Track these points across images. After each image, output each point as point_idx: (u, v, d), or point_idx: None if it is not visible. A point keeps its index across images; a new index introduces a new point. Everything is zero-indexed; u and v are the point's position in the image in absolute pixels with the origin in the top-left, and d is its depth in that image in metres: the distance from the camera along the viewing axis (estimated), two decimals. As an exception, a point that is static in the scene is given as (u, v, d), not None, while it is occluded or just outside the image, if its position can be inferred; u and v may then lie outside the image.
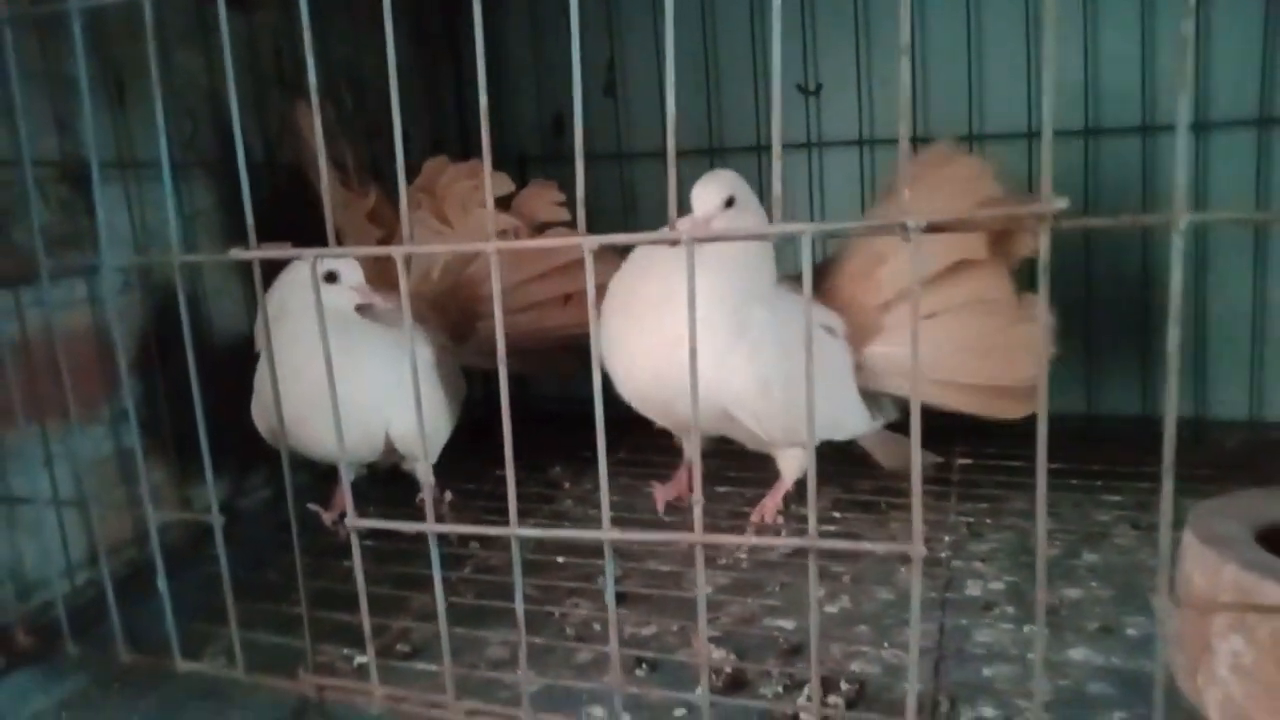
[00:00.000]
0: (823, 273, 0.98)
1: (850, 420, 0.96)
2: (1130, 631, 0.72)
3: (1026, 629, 0.73)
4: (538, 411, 1.29)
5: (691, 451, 0.87)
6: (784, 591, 0.84)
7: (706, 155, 1.31)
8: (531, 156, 1.43)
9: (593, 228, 0.50)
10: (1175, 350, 0.38)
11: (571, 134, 1.46)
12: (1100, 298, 1.17)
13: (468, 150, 1.42)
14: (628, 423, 0.92)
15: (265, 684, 0.67)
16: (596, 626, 0.78)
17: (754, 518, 0.97)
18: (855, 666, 0.70)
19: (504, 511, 0.57)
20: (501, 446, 0.54)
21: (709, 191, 0.85)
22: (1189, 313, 1.16)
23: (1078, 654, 0.69)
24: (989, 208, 0.87)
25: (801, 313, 0.46)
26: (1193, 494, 0.66)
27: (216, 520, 0.63)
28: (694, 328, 0.48)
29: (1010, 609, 0.77)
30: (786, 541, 0.86)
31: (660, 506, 0.98)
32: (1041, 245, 0.39)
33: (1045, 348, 0.44)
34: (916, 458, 0.45)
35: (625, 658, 0.71)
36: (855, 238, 0.94)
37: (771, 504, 0.97)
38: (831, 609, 0.80)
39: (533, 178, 1.42)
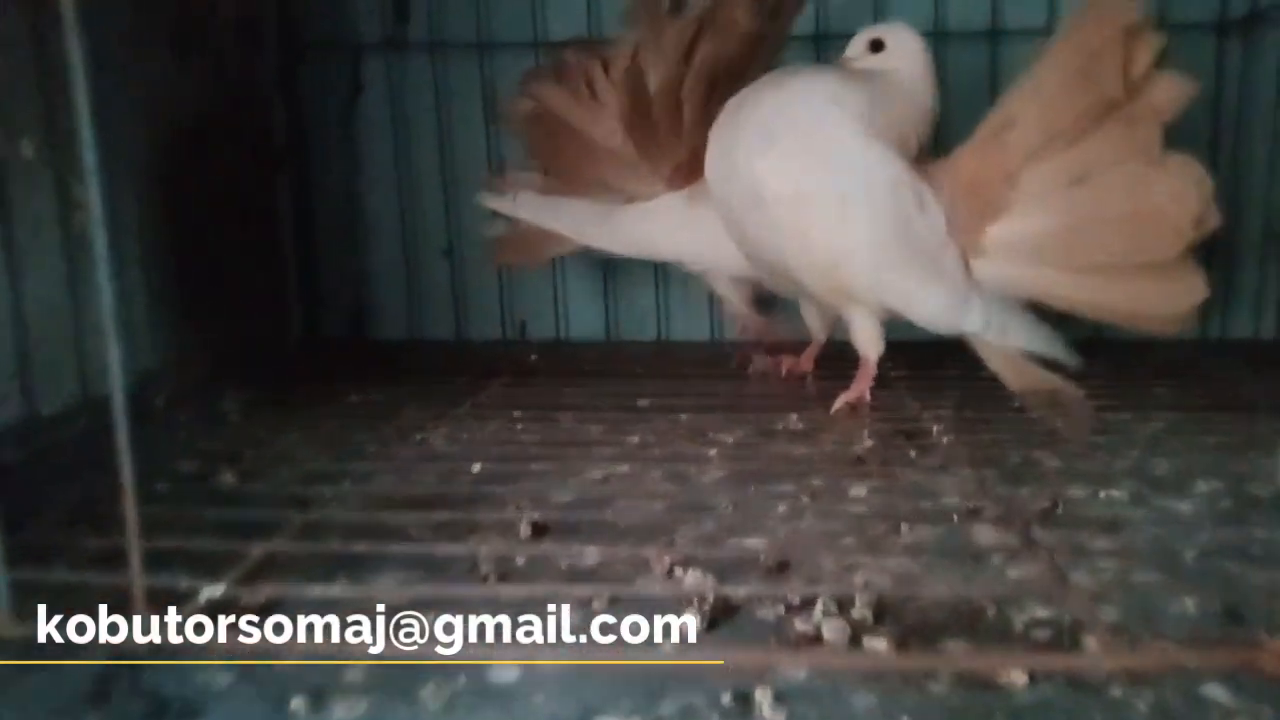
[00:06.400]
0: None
1: (929, 300, 0.87)
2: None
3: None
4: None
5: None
6: (739, 510, 0.69)
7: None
8: (368, 45, 1.19)
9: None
10: None
11: (420, 18, 1.23)
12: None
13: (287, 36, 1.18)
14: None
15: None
16: (519, 562, 0.60)
17: (838, 405, 0.93)
18: (859, 578, 0.57)
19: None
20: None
21: (858, 37, 0.93)
22: None
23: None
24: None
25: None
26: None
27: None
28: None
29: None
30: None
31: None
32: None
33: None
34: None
35: (577, 596, 0.54)
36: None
37: (855, 392, 0.94)
38: (801, 524, 0.67)
39: (371, 74, 1.21)
